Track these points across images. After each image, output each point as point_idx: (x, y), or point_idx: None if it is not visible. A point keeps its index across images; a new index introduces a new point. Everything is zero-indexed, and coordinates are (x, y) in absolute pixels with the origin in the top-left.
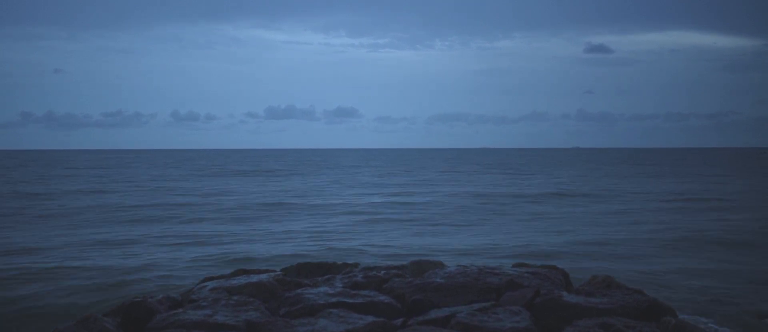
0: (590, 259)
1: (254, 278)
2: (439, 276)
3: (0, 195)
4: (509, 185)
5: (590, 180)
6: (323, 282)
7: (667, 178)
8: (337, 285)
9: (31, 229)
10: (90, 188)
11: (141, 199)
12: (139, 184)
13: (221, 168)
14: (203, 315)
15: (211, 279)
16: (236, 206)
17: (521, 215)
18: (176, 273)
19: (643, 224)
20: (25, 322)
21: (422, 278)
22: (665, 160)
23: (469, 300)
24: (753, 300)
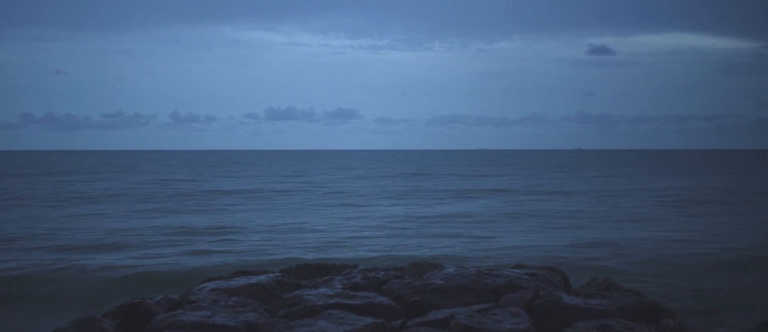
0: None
1: (253, 279)
2: (438, 277)
3: None
4: None
5: None
6: (322, 283)
7: None
8: (337, 286)
9: None
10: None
11: None
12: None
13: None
14: (202, 316)
15: (210, 280)
16: None
17: None
18: None
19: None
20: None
21: (421, 279)
22: None
23: (469, 302)
24: (754, 302)
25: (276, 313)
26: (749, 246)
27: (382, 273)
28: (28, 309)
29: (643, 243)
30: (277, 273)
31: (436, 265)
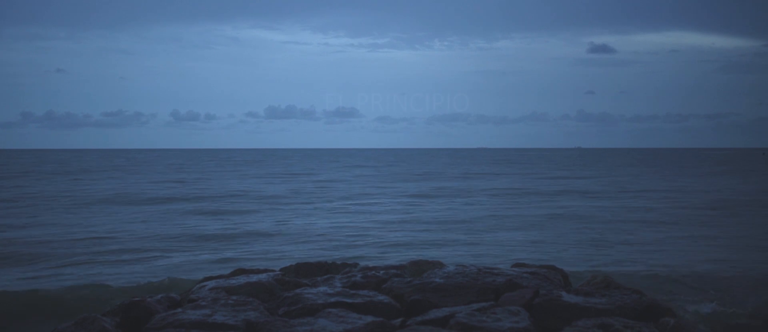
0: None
1: (253, 278)
2: (438, 276)
3: None
4: None
5: None
6: (322, 282)
7: None
8: (337, 285)
9: None
10: None
11: None
12: None
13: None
14: (202, 314)
15: (210, 278)
16: None
17: None
18: None
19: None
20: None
21: (421, 278)
22: None
23: (468, 301)
24: (754, 301)
25: (276, 312)
26: (752, 247)
27: (382, 271)
28: (29, 309)
29: (643, 242)
30: (277, 272)
31: (436, 264)
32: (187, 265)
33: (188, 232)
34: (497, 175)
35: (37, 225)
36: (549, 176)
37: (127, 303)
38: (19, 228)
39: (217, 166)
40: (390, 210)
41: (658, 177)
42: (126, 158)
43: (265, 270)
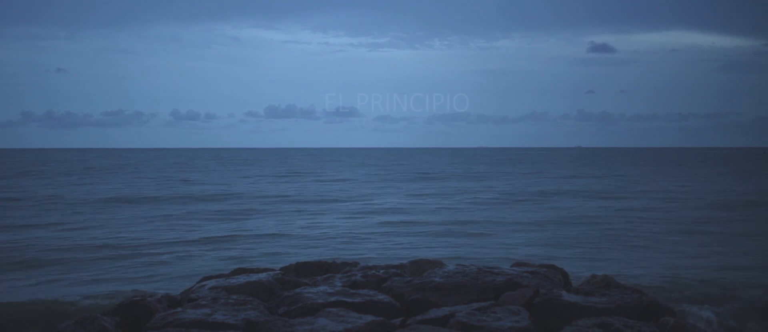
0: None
1: (253, 277)
2: (438, 275)
3: None
4: None
5: None
6: (322, 281)
7: None
8: (337, 284)
9: None
10: None
11: None
12: None
13: None
14: (202, 314)
15: (210, 278)
16: None
17: None
18: None
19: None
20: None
21: (421, 277)
22: None
23: (468, 300)
24: (755, 302)
25: (276, 311)
26: (752, 247)
27: (382, 271)
28: (29, 309)
29: (644, 242)
30: (277, 271)
31: (436, 263)
32: (188, 265)
33: (189, 232)
34: (498, 175)
35: (38, 226)
36: (549, 175)
37: (127, 303)
38: (20, 228)
39: (218, 166)
40: (390, 210)
41: (659, 177)
42: (127, 157)
43: (265, 270)
